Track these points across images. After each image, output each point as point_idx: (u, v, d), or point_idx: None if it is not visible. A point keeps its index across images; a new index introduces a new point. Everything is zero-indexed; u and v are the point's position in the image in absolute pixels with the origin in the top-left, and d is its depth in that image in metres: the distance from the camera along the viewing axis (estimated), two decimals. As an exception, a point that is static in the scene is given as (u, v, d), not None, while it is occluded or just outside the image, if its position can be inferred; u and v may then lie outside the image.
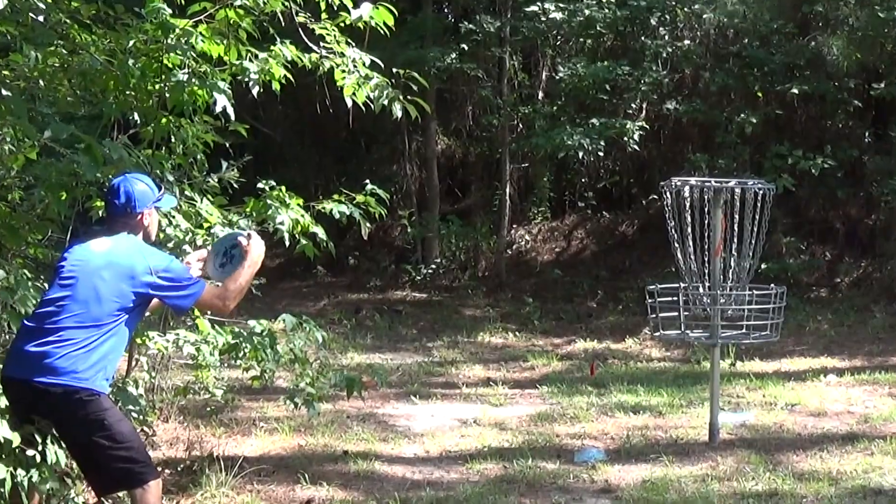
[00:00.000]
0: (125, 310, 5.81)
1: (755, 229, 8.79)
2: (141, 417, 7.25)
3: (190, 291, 5.92)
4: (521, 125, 17.77)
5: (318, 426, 9.29)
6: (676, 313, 8.76)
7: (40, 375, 5.62)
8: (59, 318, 5.71)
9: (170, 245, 7.12)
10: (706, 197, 8.80)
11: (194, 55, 7.06)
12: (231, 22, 7.16)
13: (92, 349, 5.70)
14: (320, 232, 7.43)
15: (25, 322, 5.90)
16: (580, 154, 16.10)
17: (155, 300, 5.98)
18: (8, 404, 5.95)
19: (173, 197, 6.70)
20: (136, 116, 7.30)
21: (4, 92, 6.51)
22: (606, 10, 16.76)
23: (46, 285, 6.26)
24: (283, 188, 7.44)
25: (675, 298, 8.65)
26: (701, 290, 8.82)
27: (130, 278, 5.78)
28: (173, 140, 7.35)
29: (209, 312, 6.97)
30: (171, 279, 5.86)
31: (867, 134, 16.75)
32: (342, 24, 7.32)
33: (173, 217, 6.93)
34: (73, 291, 5.74)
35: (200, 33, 7.04)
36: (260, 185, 7.48)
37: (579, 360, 12.57)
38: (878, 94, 15.63)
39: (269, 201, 7.27)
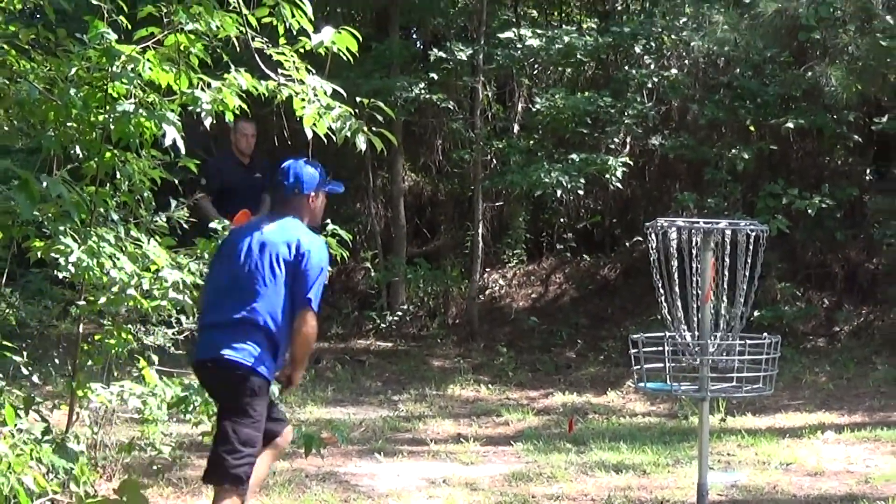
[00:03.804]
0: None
1: (747, 274, 8.82)
2: (81, 477, 7.23)
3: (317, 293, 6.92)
4: (494, 161, 17.79)
5: (274, 486, 9.28)
6: (662, 364, 8.78)
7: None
8: None
9: (114, 289, 7.14)
10: (694, 239, 8.83)
11: (141, 84, 7.11)
12: (181, 48, 7.21)
13: None
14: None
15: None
16: (559, 192, 16.13)
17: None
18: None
19: (341, 184, 7.64)
20: (79, 150, 7.34)
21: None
22: (587, 37, 16.84)
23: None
24: (238, 227, 7.45)
25: (661, 348, 8.67)
26: (689, 339, 8.85)
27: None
28: (118, 176, 7.39)
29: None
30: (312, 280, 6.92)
31: (868, 171, 16.84)
32: (302, 50, 7.36)
33: (118, 259, 6.94)
34: None
35: (148, 60, 7.08)
36: (212, 225, 7.50)
37: (557, 414, 12.58)
38: (881, 128, 15.72)
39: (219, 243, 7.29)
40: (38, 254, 7.23)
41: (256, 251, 6.95)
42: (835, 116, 15.87)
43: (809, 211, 15.20)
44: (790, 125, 15.78)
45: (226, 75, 7.42)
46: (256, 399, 6.89)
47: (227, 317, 6.89)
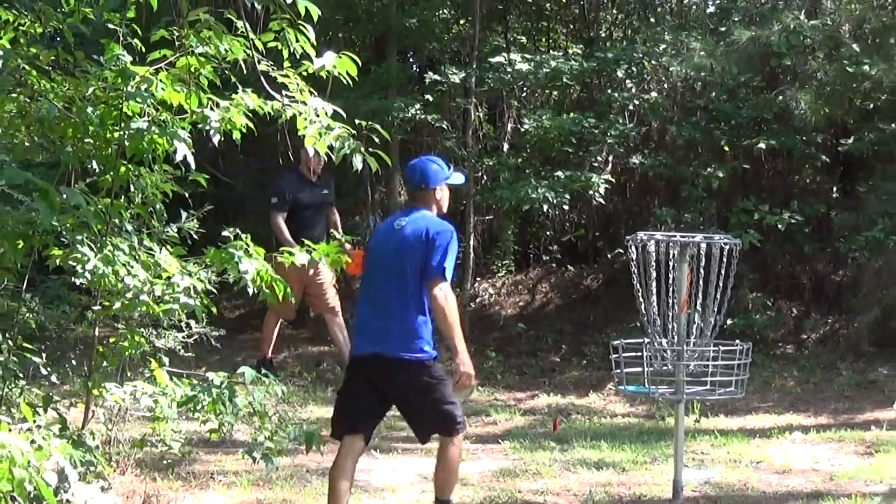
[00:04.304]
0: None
1: (721, 285, 8.84)
2: (97, 469, 7.23)
3: (444, 263, 7.44)
4: (485, 177, 17.79)
5: (276, 480, 9.29)
6: (641, 368, 8.79)
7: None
8: None
9: (128, 295, 7.14)
10: (672, 252, 8.85)
11: (154, 103, 7.10)
12: (192, 70, 7.20)
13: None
14: (281, 280, 7.47)
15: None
16: (545, 207, 16.13)
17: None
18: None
19: (461, 174, 8.25)
20: (95, 164, 7.32)
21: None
22: (573, 62, 16.85)
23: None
24: (248, 237, 7.47)
25: (640, 354, 8.68)
26: (666, 345, 8.86)
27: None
28: (132, 189, 7.38)
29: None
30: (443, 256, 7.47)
31: (835, 189, 16.86)
32: (305, 73, 7.36)
33: (132, 267, 6.94)
34: None
35: (161, 81, 7.08)
36: (224, 234, 7.50)
37: (542, 415, 12.59)
38: (847, 149, 15.76)
39: (231, 250, 7.29)
40: (57, 261, 7.22)
41: (394, 247, 7.63)
42: (804, 138, 15.89)
43: (780, 226, 15.22)
44: (762, 146, 15.81)
45: (233, 96, 7.42)
46: None
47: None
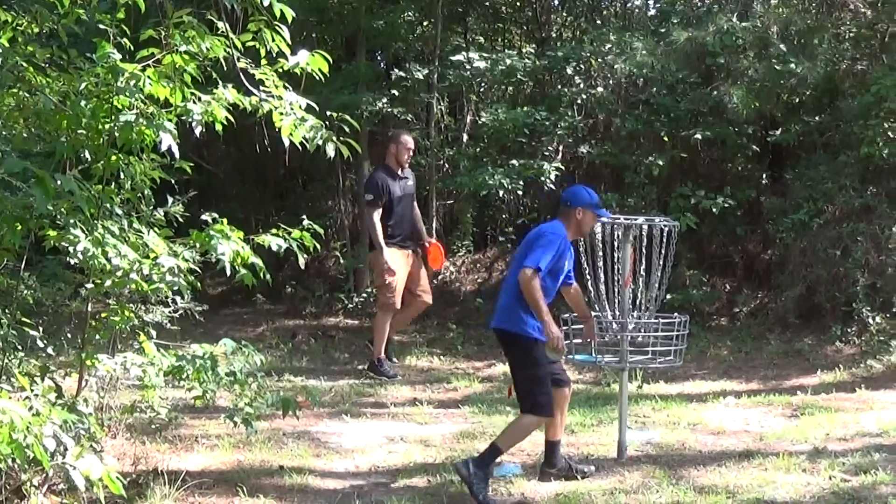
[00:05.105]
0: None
1: (661, 263, 8.87)
2: (90, 433, 7.19)
3: (534, 255, 7.99)
4: (446, 165, 17.76)
5: (255, 443, 9.26)
6: (589, 339, 8.81)
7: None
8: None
9: (118, 273, 7.10)
10: (616, 233, 8.87)
11: (142, 97, 7.07)
12: (177, 67, 7.18)
13: None
14: (259, 262, 7.43)
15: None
16: (501, 192, 16.16)
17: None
18: None
19: (606, 213, 8.67)
20: (88, 154, 7.28)
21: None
22: (526, 60, 16.85)
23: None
24: (225, 221, 7.43)
25: (588, 326, 8.71)
26: (611, 318, 8.88)
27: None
28: (122, 176, 7.34)
29: None
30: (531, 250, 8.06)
31: (764, 176, 16.88)
32: (280, 70, 7.34)
33: (121, 248, 6.90)
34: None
35: (148, 77, 7.05)
36: (204, 217, 7.47)
37: (499, 382, 12.57)
38: (775, 139, 15.79)
39: (211, 233, 7.26)
40: (53, 242, 7.19)
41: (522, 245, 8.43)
42: (736, 129, 15.91)
43: (714, 210, 15.24)
44: (698, 136, 15.82)
45: (215, 91, 7.39)
46: None
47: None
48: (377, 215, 12.51)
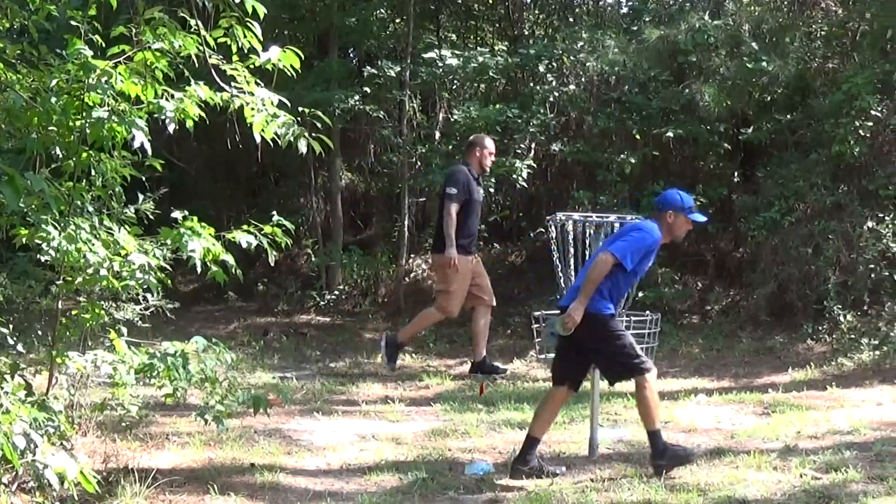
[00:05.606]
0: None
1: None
2: (60, 431, 7.16)
3: (621, 247, 8.07)
4: (419, 162, 17.75)
5: (226, 440, 9.24)
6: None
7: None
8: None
9: (89, 271, 7.08)
10: (588, 230, 8.89)
11: (114, 94, 7.05)
12: (148, 63, 7.17)
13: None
14: (230, 259, 7.42)
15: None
16: (473, 190, 16.17)
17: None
18: None
19: (703, 216, 8.68)
20: (59, 150, 7.26)
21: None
22: (499, 58, 16.89)
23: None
24: (195, 218, 7.42)
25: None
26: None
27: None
28: (93, 173, 7.32)
29: None
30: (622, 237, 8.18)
31: (736, 174, 16.93)
32: (252, 66, 7.34)
33: (92, 245, 6.88)
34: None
35: (119, 74, 7.03)
36: (174, 215, 7.46)
37: (470, 380, 12.58)
38: (746, 138, 15.85)
39: (182, 230, 7.25)
40: (24, 240, 7.17)
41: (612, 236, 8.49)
42: (708, 127, 15.97)
43: (686, 207, 15.27)
44: (670, 134, 15.88)
45: (187, 87, 7.37)
46: None
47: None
48: (455, 209, 12.25)
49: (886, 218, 14.07)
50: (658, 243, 8.28)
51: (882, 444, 8.95)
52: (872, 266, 13.87)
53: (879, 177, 14.40)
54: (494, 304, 13.02)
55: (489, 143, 12.75)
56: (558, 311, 8.31)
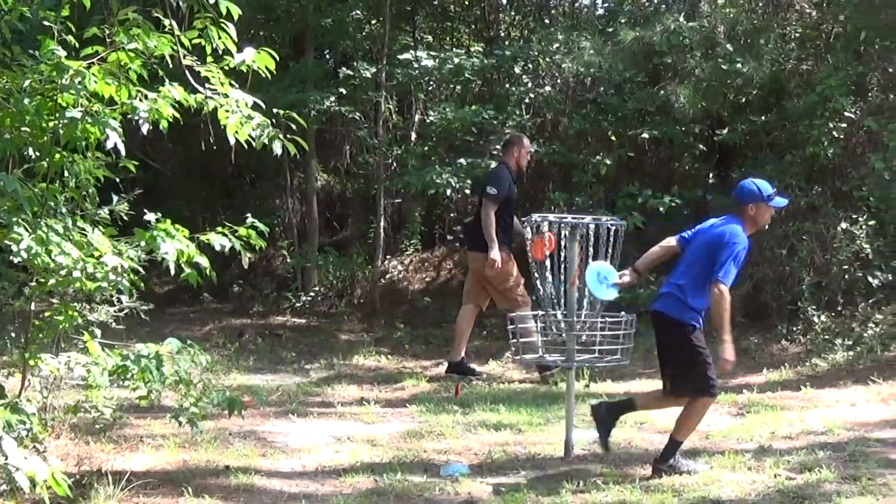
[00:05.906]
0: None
1: (608, 262, 8.89)
2: (33, 433, 7.13)
3: (725, 268, 8.04)
4: (395, 164, 17.76)
5: (201, 442, 9.22)
6: (536, 338, 8.83)
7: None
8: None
9: (62, 272, 7.05)
10: (564, 232, 8.89)
11: (87, 95, 7.02)
12: (122, 64, 7.14)
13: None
14: (204, 261, 7.39)
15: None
16: (448, 191, 16.16)
17: None
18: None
19: (784, 199, 8.73)
20: (32, 151, 7.23)
21: None
22: (474, 59, 16.88)
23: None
24: (169, 220, 7.39)
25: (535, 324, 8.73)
26: (558, 316, 8.90)
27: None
28: (66, 174, 7.30)
29: None
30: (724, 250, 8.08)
31: (711, 175, 16.99)
32: (227, 68, 7.32)
33: (65, 246, 6.85)
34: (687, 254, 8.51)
35: (93, 74, 7.00)
36: (147, 217, 7.43)
37: (446, 381, 12.57)
38: (721, 139, 15.87)
39: (155, 232, 7.22)
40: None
41: (703, 240, 8.40)
42: (683, 129, 16.00)
43: (661, 209, 15.29)
44: (645, 135, 15.91)
45: (161, 88, 7.35)
46: None
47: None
48: (493, 211, 12.31)
49: (860, 219, 14.11)
50: (748, 242, 8.34)
51: (855, 444, 8.98)
52: (846, 267, 13.92)
53: (853, 178, 14.44)
54: (483, 308, 13.10)
55: (527, 143, 12.93)
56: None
